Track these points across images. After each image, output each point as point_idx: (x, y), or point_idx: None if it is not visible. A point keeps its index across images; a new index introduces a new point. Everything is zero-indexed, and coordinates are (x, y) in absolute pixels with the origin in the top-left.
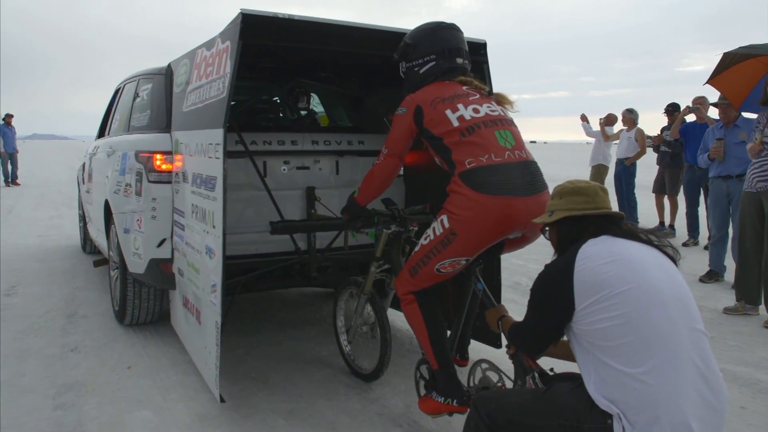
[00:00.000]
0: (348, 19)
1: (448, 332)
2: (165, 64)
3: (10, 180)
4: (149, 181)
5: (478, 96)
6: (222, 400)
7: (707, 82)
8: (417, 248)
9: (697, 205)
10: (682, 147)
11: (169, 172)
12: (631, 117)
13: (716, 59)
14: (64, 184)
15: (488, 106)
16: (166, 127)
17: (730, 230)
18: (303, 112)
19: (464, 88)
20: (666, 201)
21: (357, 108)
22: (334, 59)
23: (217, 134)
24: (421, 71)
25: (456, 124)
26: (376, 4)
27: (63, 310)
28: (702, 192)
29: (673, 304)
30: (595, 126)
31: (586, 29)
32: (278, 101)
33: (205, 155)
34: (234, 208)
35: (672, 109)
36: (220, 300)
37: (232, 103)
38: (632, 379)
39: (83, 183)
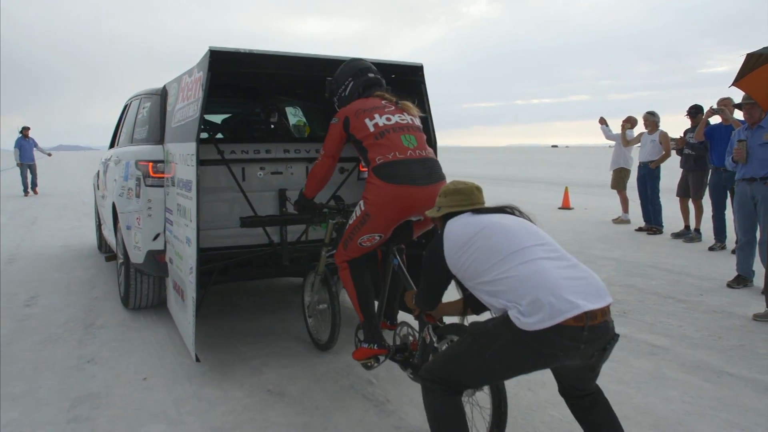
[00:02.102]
0: (363, 28)
1: (378, 302)
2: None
3: (30, 189)
4: (146, 186)
5: (393, 108)
6: (197, 360)
7: (733, 84)
8: (347, 227)
9: (724, 208)
10: (706, 150)
11: (162, 177)
12: (653, 120)
13: (739, 61)
14: (87, 194)
15: (400, 116)
16: (160, 140)
17: (759, 234)
18: (272, 125)
19: (383, 102)
20: (691, 205)
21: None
22: (307, 79)
23: (192, 147)
24: (346, 93)
25: (372, 129)
26: (394, 12)
27: (81, 321)
28: (729, 195)
29: (518, 229)
30: (616, 129)
31: (605, 32)
32: (256, 116)
33: (185, 163)
34: (216, 207)
35: (695, 112)
36: (196, 279)
37: (227, 116)
38: (505, 278)
39: (98, 189)
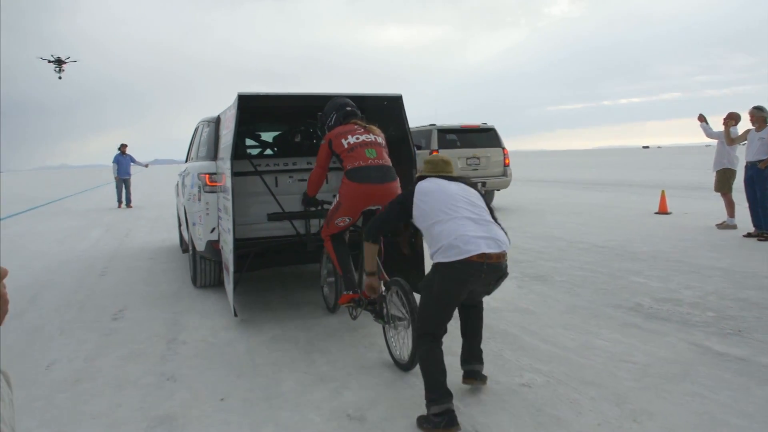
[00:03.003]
0: (443, 34)
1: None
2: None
3: (124, 203)
4: (205, 192)
5: (362, 130)
6: (235, 315)
7: None
8: (329, 212)
9: None
10: None
11: (216, 185)
12: (761, 115)
13: None
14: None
15: (366, 136)
16: (214, 157)
17: None
18: (297, 142)
19: (355, 126)
20: None
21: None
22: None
23: (228, 164)
24: (332, 123)
25: (346, 146)
26: (473, 17)
27: (164, 336)
28: None
29: (457, 196)
30: (716, 127)
31: (695, 27)
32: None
33: (225, 175)
34: (255, 207)
35: None
36: (233, 257)
37: (277, 133)
38: (437, 225)
39: (177, 195)
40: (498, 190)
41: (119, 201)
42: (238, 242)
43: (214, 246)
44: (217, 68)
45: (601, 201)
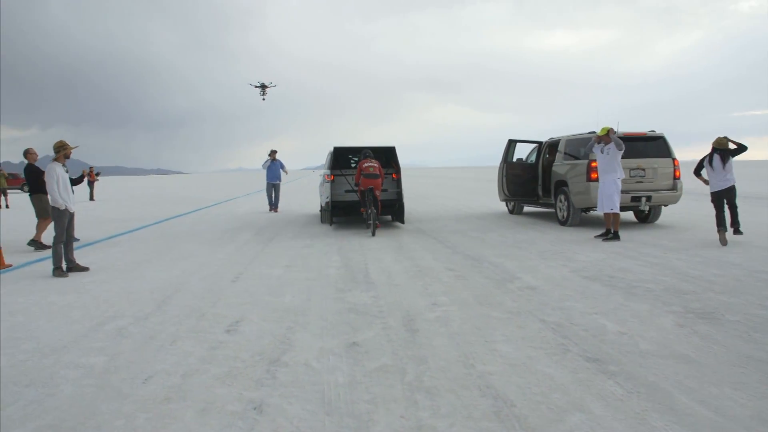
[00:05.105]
0: (614, 38)
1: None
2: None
3: (273, 207)
4: (325, 182)
5: (370, 161)
6: (331, 224)
7: None
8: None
9: None
10: None
11: (329, 179)
12: None
13: None
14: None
15: (371, 163)
16: (330, 167)
17: None
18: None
19: (368, 159)
20: None
21: (387, 161)
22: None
23: (328, 172)
24: (361, 158)
25: (364, 167)
26: (649, 18)
27: (268, 355)
28: None
29: (716, 163)
30: None
31: None
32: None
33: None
34: (343, 187)
35: None
36: (330, 210)
37: (358, 157)
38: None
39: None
40: (665, 205)
41: (270, 205)
42: (334, 202)
43: (327, 205)
44: (379, 81)
45: None
